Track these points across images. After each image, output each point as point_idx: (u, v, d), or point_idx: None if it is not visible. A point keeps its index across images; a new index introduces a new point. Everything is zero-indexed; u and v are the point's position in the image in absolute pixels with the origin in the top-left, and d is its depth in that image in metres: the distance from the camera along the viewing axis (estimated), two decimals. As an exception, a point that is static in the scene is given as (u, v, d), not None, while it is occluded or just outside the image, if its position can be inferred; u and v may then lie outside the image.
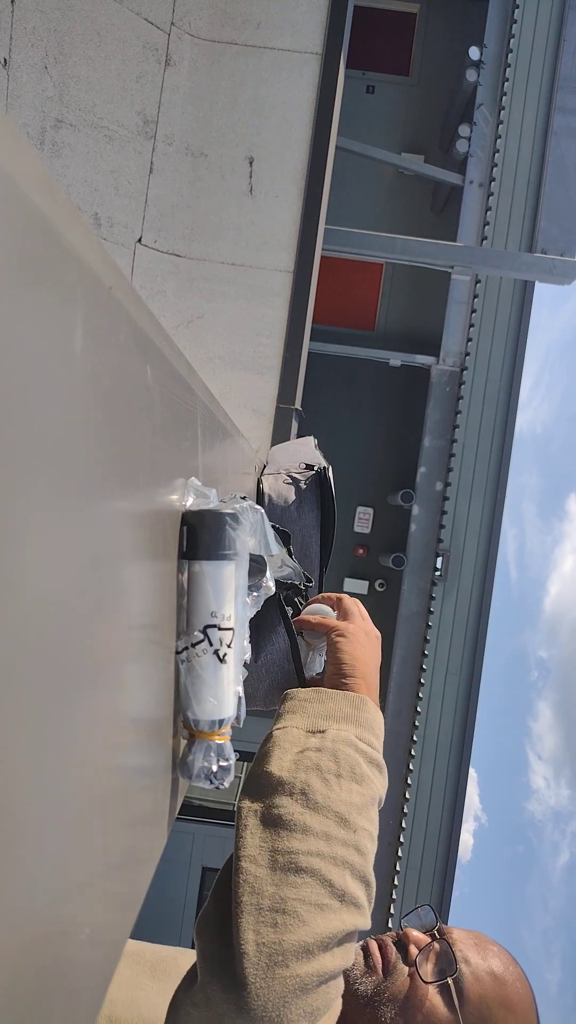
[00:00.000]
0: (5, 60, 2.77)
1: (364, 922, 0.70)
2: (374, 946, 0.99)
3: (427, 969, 0.96)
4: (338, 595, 0.99)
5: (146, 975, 1.02)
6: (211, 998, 0.65)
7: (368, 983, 0.95)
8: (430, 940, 0.99)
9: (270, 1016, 0.62)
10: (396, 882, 6.39)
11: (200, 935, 0.70)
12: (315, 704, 0.83)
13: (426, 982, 0.94)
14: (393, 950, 0.98)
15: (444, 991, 0.94)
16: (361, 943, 1.00)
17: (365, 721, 0.82)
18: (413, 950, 0.98)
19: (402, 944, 0.99)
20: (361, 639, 0.92)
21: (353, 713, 0.82)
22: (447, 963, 0.96)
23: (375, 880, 0.74)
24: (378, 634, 0.96)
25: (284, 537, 0.99)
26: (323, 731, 0.79)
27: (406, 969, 0.96)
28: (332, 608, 0.98)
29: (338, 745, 0.77)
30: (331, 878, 0.68)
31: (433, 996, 0.94)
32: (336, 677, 0.88)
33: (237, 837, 0.71)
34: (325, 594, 1.02)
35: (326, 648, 0.93)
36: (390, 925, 6.37)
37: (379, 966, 0.97)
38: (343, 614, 0.96)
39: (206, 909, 0.73)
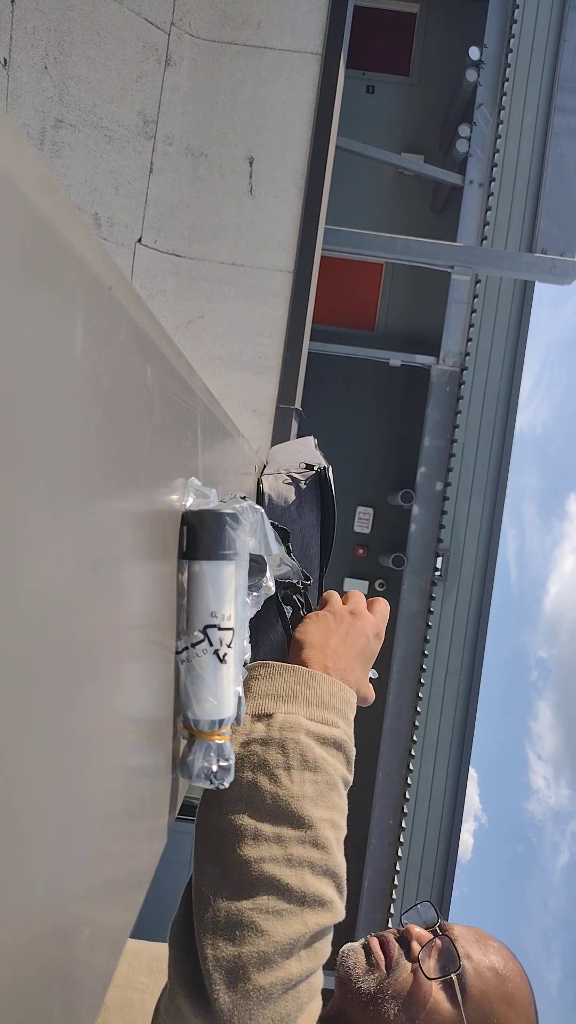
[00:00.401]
0: (5, 60, 2.77)
1: (332, 916, 0.69)
2: (375, 943, 0.99)
3: (430, 965, 0.96)
4: (327, 593, 0.96)
5: (142, 972, 1.02)
6: (180, 1008, 0.65)
7: (370, 980, 0.95)
8: (432, 936, 0.99)
9: None
10: (396, 882, 6.40)
11: (170, 943, 0.69)
12: (261, 682, 0.78)
13: (430, 978, 0.94)
14: (395, 947, 0.98)
15: (447, 987, 0.94)
16: (362, 941, 1.01)
17: (316, 698, 0.78)
18: (416, 946, 0.98)
19: (404, 940, 0.99)
20: (325, 620, 0.88)
21: (303, 691, 0.78)
22: (450, 959, 0.96)
23: (344, 864, 0.72)
24: (353, 615, 0.89)
25: (283, 535, 0.99)
26: (270, 715, 0.75)
27: (409, 965, 0.96)
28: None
29: (285, 733, 0.73)
30: (288, 882, 0.66)
31: (436, 992, 0.94)
32: (289, 656, 0.85)
33: (194, 851, 0.70)
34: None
35: None
36: (390, 925, 6.38)
37: (381, 963, 0.97)
38: (319, 604, 0.93)
39: (176, 916, 0.72)
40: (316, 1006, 0.71)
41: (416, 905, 1.06)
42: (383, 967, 0.96)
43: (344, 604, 0.92)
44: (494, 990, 0.95)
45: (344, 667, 0.84)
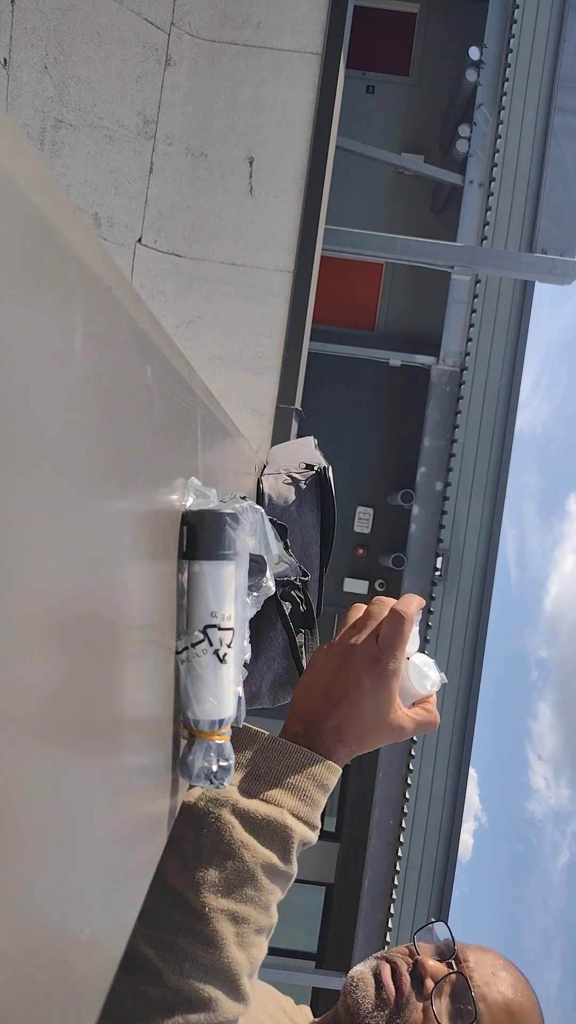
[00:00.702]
0: (5, 60, 2.78)
1: (213, 1017, 0.64)
2: (387, 974, 0.92)
3: (442, 1005, 0.90)
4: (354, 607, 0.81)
5: None
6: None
7: (379, 1018, 0.90)
8: (447, 972, 0.93)
9: None
10: (396, 882, 6.40)
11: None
12: (259, 760, 0.71)
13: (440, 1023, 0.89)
14: (407, 981, 0.92)
15: None
16: (372, 965, 0.95)
17: (265, 770, 0.70)
18: (429, 984, 0.92)
19: (417, 974, 0.93)
20: (327, 657, 0.76)
21: (254, 759, 0.71)
22: (464, 1000, 0.91)
23: (246, 960, 0.66)
24: (349, 648, 0.75)
25: (281, 531, 0.98)
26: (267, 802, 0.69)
27: (420, 1005, 0.90)
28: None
29: (209, 806, 0.68)
30: (160, 968, 0.63)
31: None
32: (296, 702, 0.77)
33: None
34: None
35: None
36: (390, 925, 6.38)
37: (392, 999, 0.91)
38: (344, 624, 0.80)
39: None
40: None
41: (430, 924, 0.99)
42: (392, 1002, 0.91)
43: (356, 624, 0.78)
44: None
45: (337, 722, 0.74)
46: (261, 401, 3.13)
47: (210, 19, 3.17)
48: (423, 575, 6.55)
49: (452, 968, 0.93)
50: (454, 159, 6.50)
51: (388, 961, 0.94)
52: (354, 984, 0.92)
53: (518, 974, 0.96)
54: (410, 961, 0.95)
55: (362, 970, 0.94)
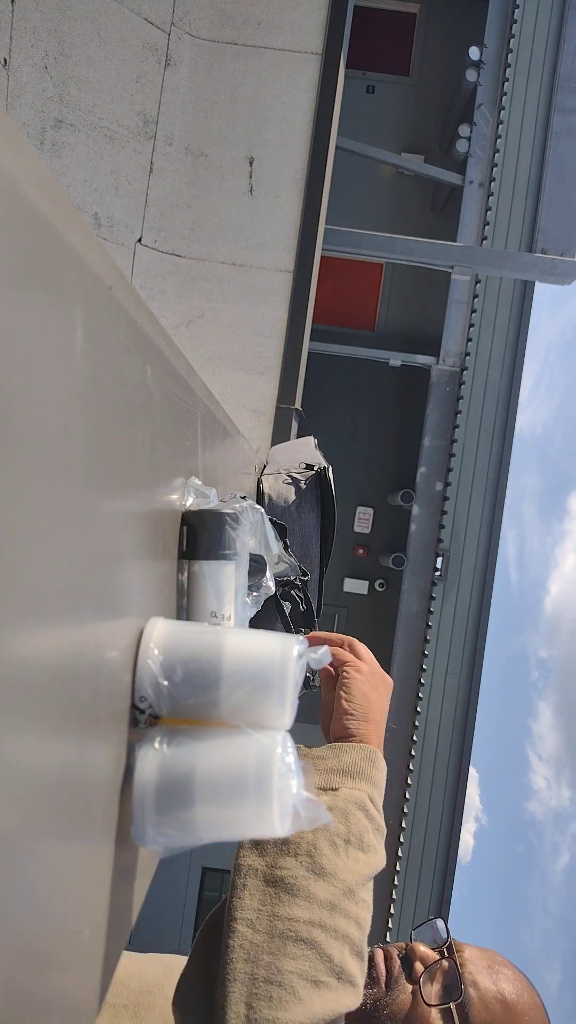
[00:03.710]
0: (5, 60, 2.77)
1: (357, 1002, 0.66)
2: (379, 956, 0.93)
3: (431, 990, 0.90)
4: (350, 639, 0.92)
5: (127, 1017, 0.92)
6: None
7: (367, 996, 0.88)
8: (438, 958, 0.93)
9: None
10: (396, 882, 6.39)
11: (180, 1006, 0.65)
12: (329, 760, 0.77)
13: (428, 1004, 0.88)
14: (397, 964, 0.93)
15: (447, 1016, 0.88)
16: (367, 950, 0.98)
17: (377, 779, 0.77)
18: (419, 967, 0.92)
19: (408, 959, 0.93)
20: (374, 681, 0.86)
21: (367, 769, 0.77)
22: (453, 985, 0.90)
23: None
24: (390, 682, 0.89)
25: (280, 530, 0.98)
26: (335, 789, 0.74)
27: (409, 987, 0.90)
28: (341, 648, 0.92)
29: (349, 806, 0.72)
30: (331, 952, 0.64)
31: (436, 1020, 0.88)
32: (347, 718, 0.82)
33: (234, 896, 0.66)
34: (333, 635, 0.93)
35: (334, 682, 0.87)
36: (390, 925, 6.38)
37: (382, 978, 0.91)
38: (356, 655, 0.89)
39: (186, 975, 0.68)
40: None
41: (429, 921, 0.99)
42: (383, 983, 0.91)
43: (375, 664, 0.91)
44: (501, 1023, 0.88)
45: (383, 737, 0.85)
46: (261, 401, 3.13)
47: (210, 19, 3.17)
48: (423, 575, 6.55)
49: (445, 955, 0.93)
50: (454, 159, 6.50)
51: (381, 948, 0.95)
52: None
53: (520, 974, 0.94)
54: (403, 948, 0.96)
55: None
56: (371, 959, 0.93)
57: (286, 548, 1.01)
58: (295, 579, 1.02)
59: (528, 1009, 0.90)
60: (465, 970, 0.91)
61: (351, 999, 0.65)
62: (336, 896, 0.66)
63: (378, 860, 0.72)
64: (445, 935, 0.96)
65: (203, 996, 0.64)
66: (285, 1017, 0.59)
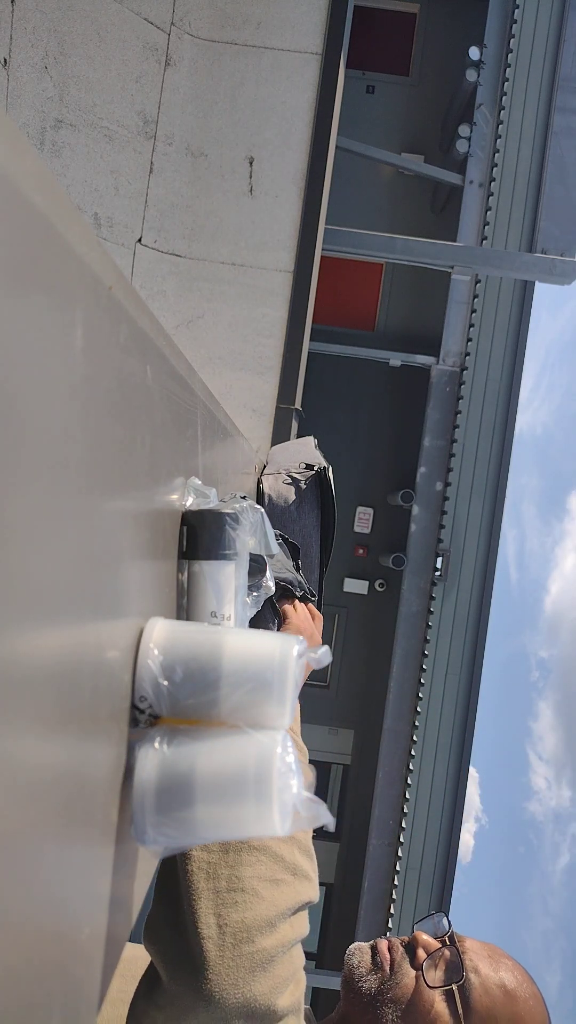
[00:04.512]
0: (5, 60, 2.77)
1: (315, 893, 0.72)
2: (382, 945, 0.97)
3: (434, 975, 0.93)
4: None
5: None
6: (174, 994, 0.64)
7: (372, 980, 0.93)
8: (440, 946, 0.96)
9: (237, 996, 0.62)
10: (396, 882, 6.39)
11: (152, 938, 0.69)
12: None
13: (431, 986, 0.91)
14: (401, 950, 0.96)
15: (449, 999, 0.91)
16: (371, 942, 1.00)
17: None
18: (421, 954, 0.95)
19: (411, 947, 0.97)
20: (303, 615, 1.05)
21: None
22: (455, 971, 0.93)
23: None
24: (320, 617, 1.11)
25: (293, 551, 1.00)
26: None
27: (412, 972, 0.94)
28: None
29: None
30: (281, 853, 0.70)
31: (439, 1003, 0.91)
32: None
33: None
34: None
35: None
36: (390, 925, 6.38)
37: (385, 964, 0.95)
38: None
39: (152, 912, 0.71)
40: (302, 989, 0.71)
41: (431, 915, 1.02)
42: (387, 968, 0.94)
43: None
44: (502, 1008, 0.91)
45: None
46: (261, 401, 3.13)
47: (210, 19, 3.17)
48: (423, 575, 6.55)
49: (447, 944, 0.97)
50: (454, 159, 6.50)
51: (385, 939, 1.00)
52: (351, 953, 0.99)
53: (519, 965, 0.98)
54: (406, 939, 0.99)
55: (359, 943, 1.01)
56: (375, 947, 0.98)
57: (298, 569, 1.03)
58: (297, 593, 1.04)
59: (528, 997, 0.93)
60: (467, 957, 0.94)
61: (309, 891, 0.72)
62: None
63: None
64: (447, 927, 1.00)
65: (171, 922, 0.67)
66: (252, 915, 0.65)
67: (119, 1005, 0.95)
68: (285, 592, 1.02)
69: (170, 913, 0.68)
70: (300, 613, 1.06)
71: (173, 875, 0.70)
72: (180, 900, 0.67)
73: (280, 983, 0.65)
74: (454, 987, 0.91)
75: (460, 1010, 0.90)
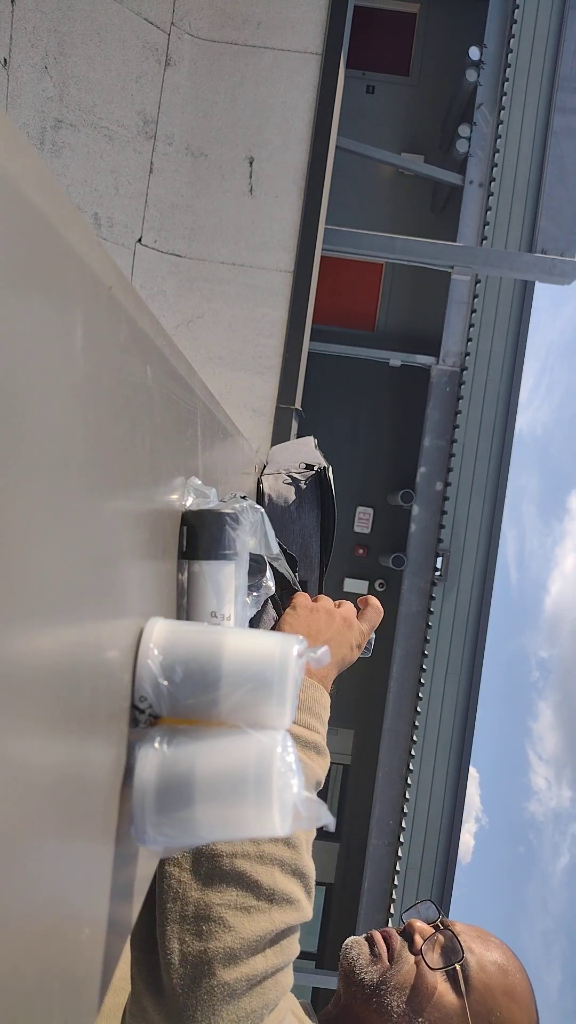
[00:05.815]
0: (5, 60, 2.77)
1: (299, 916, 0.69)
2: (378, 936, 0.99)
3: (433, 957, 0.96)
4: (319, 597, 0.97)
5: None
6: (146, 1008, 0.65)
7: (373, 972, 0.95)
8: (434, 931, 1.00)
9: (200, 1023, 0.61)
10: (396, 882, 6.40)
11: (132, 943, 0.69)
12: None
13: (433, 968, 0.95)
14: (398, 939, 0.99)
15: (451, 979, 0.95)
16: (365, 935, 1.02)
17: (301, 702, 0.79)
18: (419, 939, 0.98)
19: (407, 934, 1.00)
20: (316, 616, 0.90)
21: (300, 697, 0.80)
22: (452, 951, 0.97)
23: (313, 867, 0.73)
24: (345, 622, 0.90)
25: (291, 562, 1.00)
26: None
27: (412, 958, 0.96)
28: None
29: None
30: (258, 879, 0.67)
31: (441, 984, 0.94)
32: None
33: None
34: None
35: None
36: (390, 925, 6.38)
37: (384, 954, 0.97)
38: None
39: (139, 916, 0.71)
40: (288, 1005, 0.71)
41: (417, 904, 1.06)
42: (386, 959, 0.97)
43: (337, 608, 0.93)
44: (497, 983, 0.95)
45: (325, 673, 0.86)
46: (261, 401, 3.13)
47: (210, 19, 3.17)
48: (423, 575, 6.55)
49: (439, 929, 1.00)
50: (454, 159, 6.50)
51: (378, 930, 1.02)
52: (348, 947, 1.00)
53: (505, 944, 1.02)
54: (400, 928, 1.02)
55: (355, 937, 1.03)
56: (371, 940, 0.99)
57: (293, 584, 1.03)
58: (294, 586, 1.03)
59: (516, 971, 0.98)
60: (460, 938, 0.98)
61: (290, 915, 0.68)
62: None
63: (311, 774, 0.76)
64: (436, 914, 1.04)
65: (147, 934, 0.67)
66: (215, 946, 0.63)
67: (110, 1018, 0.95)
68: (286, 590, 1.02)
69: (146, 925, 0.68)
70: (301, 614, 0.96)
71: (153, 886, 0.69)
72: (155, 914, 0.66)
73: (246, 1015, 0.63)
74: (456, 967, 0.95)
75: (463, 987, 0.94)
